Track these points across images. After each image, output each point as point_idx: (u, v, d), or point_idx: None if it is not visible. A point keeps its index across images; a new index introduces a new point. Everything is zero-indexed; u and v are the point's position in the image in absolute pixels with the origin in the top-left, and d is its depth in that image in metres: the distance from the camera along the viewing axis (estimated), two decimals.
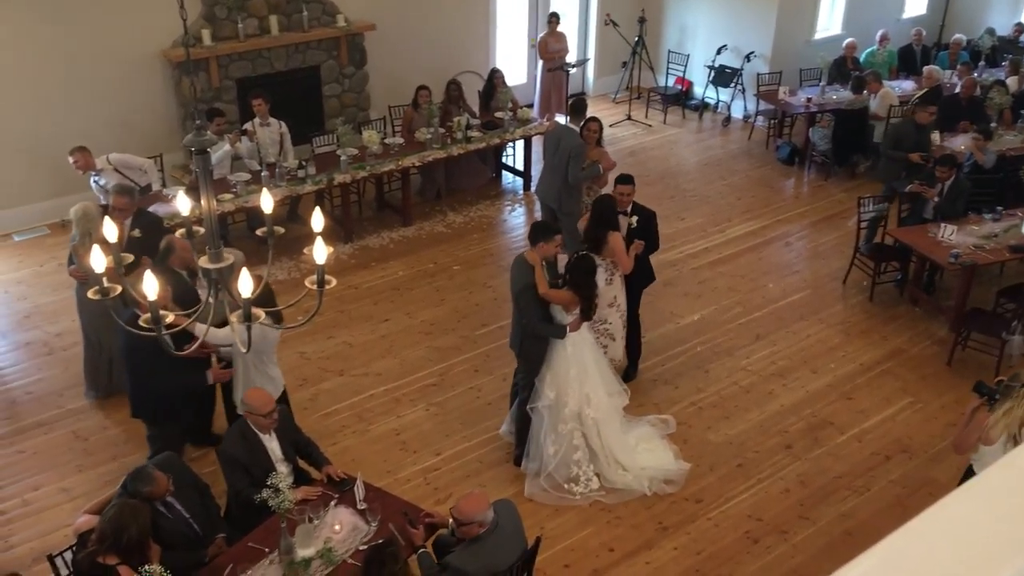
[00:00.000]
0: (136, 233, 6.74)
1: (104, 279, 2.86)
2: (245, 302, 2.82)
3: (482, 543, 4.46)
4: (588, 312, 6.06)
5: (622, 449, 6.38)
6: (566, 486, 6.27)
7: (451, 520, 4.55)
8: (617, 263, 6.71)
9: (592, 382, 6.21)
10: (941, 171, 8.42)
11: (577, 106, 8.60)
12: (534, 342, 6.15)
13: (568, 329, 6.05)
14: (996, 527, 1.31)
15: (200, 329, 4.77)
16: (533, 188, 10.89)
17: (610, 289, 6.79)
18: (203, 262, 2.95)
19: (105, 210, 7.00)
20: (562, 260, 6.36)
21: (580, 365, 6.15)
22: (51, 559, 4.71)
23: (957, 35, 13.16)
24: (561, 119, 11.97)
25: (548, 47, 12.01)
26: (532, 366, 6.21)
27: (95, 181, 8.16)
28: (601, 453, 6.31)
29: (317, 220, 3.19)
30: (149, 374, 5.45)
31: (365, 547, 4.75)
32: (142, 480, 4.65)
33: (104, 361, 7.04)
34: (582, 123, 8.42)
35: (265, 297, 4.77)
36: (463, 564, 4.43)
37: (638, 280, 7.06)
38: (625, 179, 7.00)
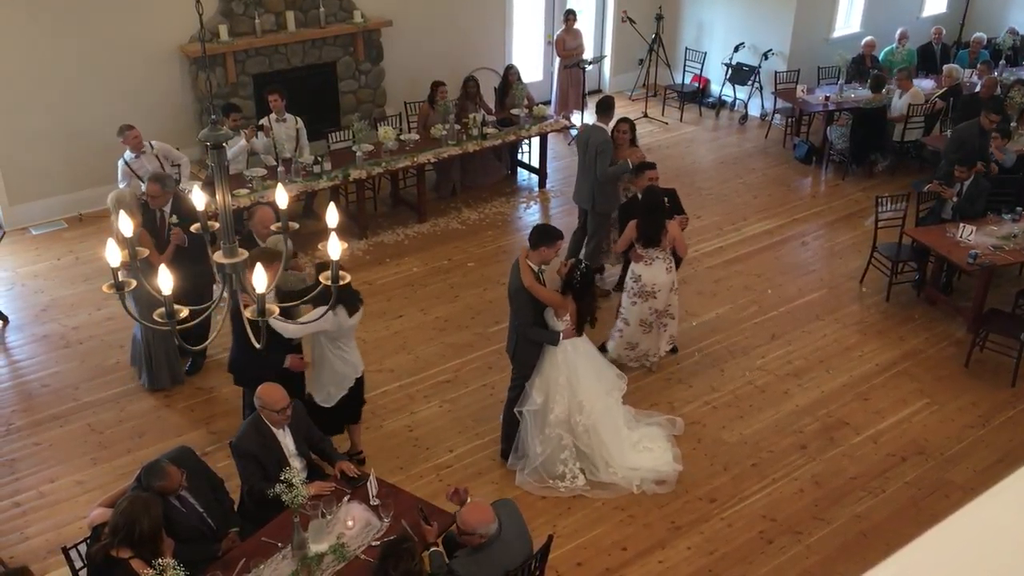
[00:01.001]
0: (174, 219, 6.85)
1: (119, 272, 2.87)
2: (260, 297, 2.82)
3: (486, 552, 4.44)
4: (582, 323, 6.07)
5: (617, 449, 6.34)
6: (551, 482, 6.32)
7: (455, 528, 4.53)
8: (677, 249, 7.05)
9: (585, 388, 6.16)
10: (960, 171, 8.35)
11: (602, 104, 8.54)
12: (528, 347, 6.14)
13: (561, 336, 6.04)
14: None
15: (274, 322, 5.08)
16: (548, 186, 10.91)
17: (670, 276, 7.15)
18: (217, 257, 2.95)
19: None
20: (554, 265, 6.27)
21: (571, 373, 6.12)
22: (65, 551, 4.74)
23: (977, 33, 13.03)
24: (577, 117, 11.99)
25: (565, 44, 11.98)
26: (524, 370, 6.21)
27: (126, 161, 8.24)
28: (593, 454, 6.30)
29: (332, 216, 3.19)
30: (250, 347, 5.57)
31: (378, 543, 4.76)
32: (155, 474, 4.67)
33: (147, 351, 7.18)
34: (611, 122, 8.39)
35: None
36: (468, 574, 4.42)
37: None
38: (650, 165, 7.24)
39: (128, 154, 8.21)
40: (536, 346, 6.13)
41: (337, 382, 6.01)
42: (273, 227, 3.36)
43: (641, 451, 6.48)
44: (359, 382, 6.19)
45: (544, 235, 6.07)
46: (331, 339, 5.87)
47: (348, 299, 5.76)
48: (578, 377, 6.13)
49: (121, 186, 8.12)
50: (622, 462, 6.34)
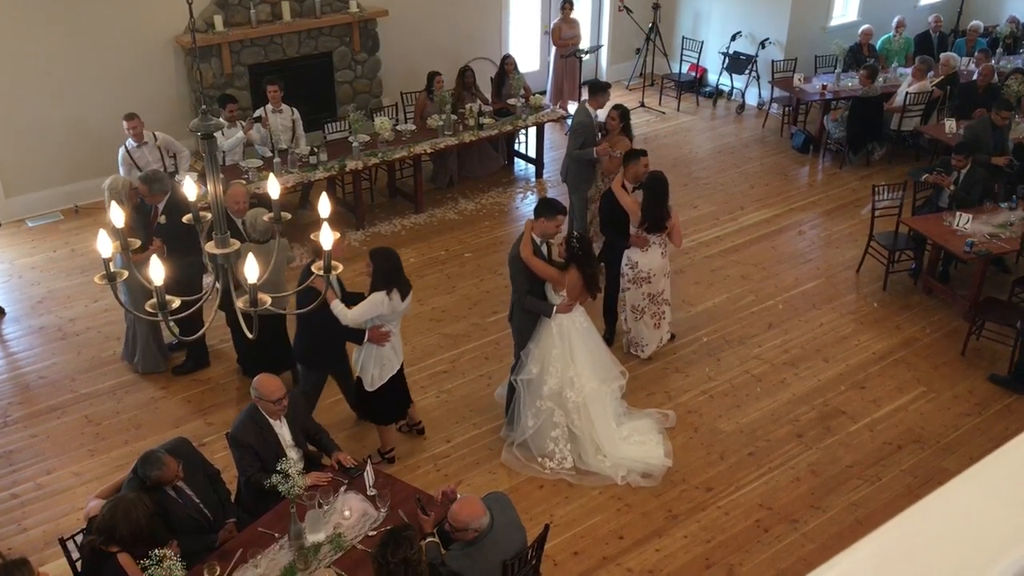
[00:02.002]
0: (162, 220, 6.81)
1: (111, 264, 2.86)
2: (252, 287, 2.82)
3: (478, 546, 4.44)
4: (592, 289, 6.13)
5: (607, 436, 6.35)
6: (539, 460, 6.35)
7: (447, 524, 4.53)
8: (673, 238, 7.09)
9: (579, 366, 6.20)
10: (956, 159, 8.34)
11: (592, 86, 8.56)
12: (525, 316, 6.25)
13: (555, 310, 6.09)
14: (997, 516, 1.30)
15: (337, 308, 5.59)
16: (545, 176, 10.91)
17: (664, 261, 7.22)
18: (209, 248, 2.94)
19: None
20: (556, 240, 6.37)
21: (566, 347, 6.16)
22: (63, 542, 4.75)
23: (974, 22, 13.00)
24: (574, 107, 11.96)
25: (561, 33, 11.95)
26: (522, 339, 6.31)
27: (127, 150, 8.25)
28: (582, 436, 6.32)
29: (324, 206, 3.19)
30: (320, 325, 5.80)
31: (375, 533, 4.77)
32: (151, 464, 4.67)
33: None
34: (603, 107, 8.42)
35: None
36: (461, 570, 4.42)
37: None
38: (641, 152, 7.23)
39: (130, 143, 8.24)
40: (533, 316, 6.20)
41: (382, 365, 6.03)
42: (265, 218, 3.36)
43: (633, 444, 6.47)
44: (402, 375, 6.23)
45: (545, 207, 6.20)
46: (384, 321, 5.90)
47: (402, 283, 5.85)
48: (573, 352, 6.16)
49: (123, 173, 8.16)
50: (612, 450, 6.35)
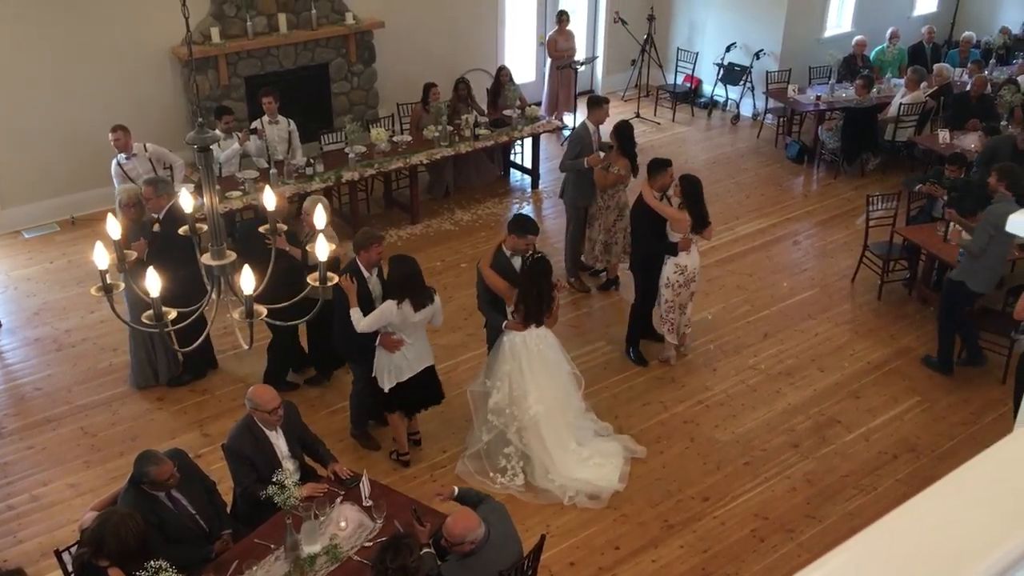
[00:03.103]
0: (156, 228, 6.76)
1: (108, 275, 2.87)
2: (248, 299, 2.83)
3: (475, 558, 4.43)
4: (531, 314, 6.07)
5: (559, 457, 6.29)
6: (491, 474, 6.35)
7: (443, 540, 4.53)
8: (706, 232, 7.26)
9: (529, 385, 6.12)
10: (951, 169, 8.38)
11: (589, 102, 8.60)
12: (490, 328, 6.40)
13: (505, 325, 6.15)
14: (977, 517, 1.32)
15: (355, 315, 5.76)
16: (541, 187, 10.94)
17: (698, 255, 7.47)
18: (206, 259, 2.96)
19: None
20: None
21: (516, 364, 6.12)
22: (58, 554, 4.74)
23: (967, 33, 13.08)
24: (570, 118, 12.02)
25: (557, 45, 12.00)
26: (489, 346, 6.46)
27: (119, 163, 8.26)
28: (532, 455, 6.28)
29: (319, 217, 3.20)
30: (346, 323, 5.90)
31: (371, 544, 4.77)
32: (148, 460, 4.66)
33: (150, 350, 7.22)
34: (601, 121, 8.43)
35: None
36: None
37: None
38: (668, 162, 7.34)
39: (121, 156, 8.21)
40: (496, 329, 6.29)
41: (390, 371, 6.09)
42: (261, 229, 3.37)
43: (590, 466, 6.40)
44: (428, 375, 6.27)
45: (516, 224, 6.32)
46: (395, 330, 5.93)
47: (415, 294, 5.83)
48: (521, 372, 6.13)
49: (117, 185, 8.17)
50: (564, 471, 6.28)
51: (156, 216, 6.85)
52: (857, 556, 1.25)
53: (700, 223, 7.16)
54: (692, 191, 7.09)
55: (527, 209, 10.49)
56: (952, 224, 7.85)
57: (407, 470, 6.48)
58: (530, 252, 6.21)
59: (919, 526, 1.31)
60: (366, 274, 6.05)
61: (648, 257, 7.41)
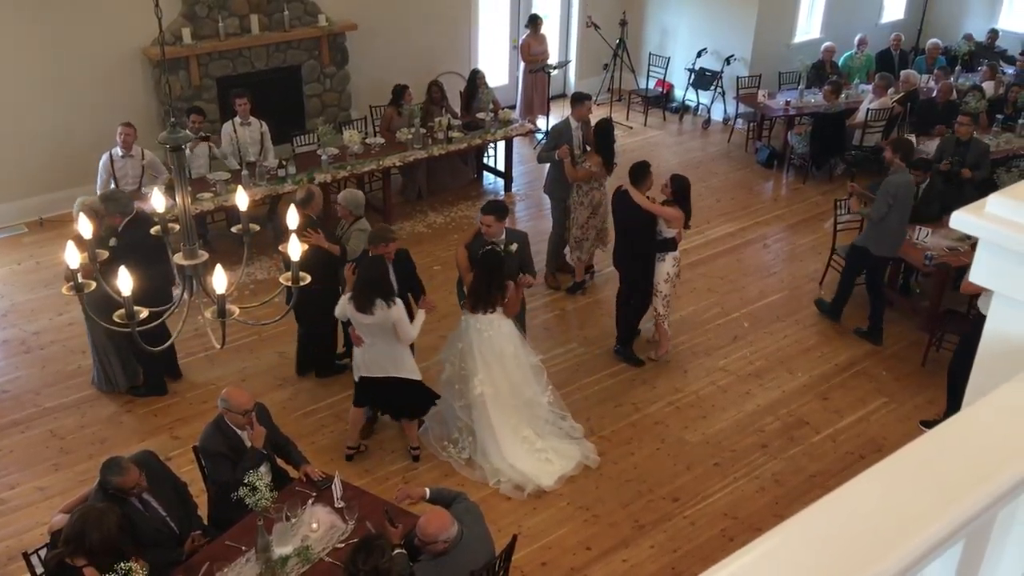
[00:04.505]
0: (112, 242, 6.45)
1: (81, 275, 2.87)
2: (220, 298, 2.84)
3: (448, 557, 4.45)
4: (477, 300, 6.28)
5: (509, 442, 6.42)
6: (444, 443, 6.64)
7: (416, 539, 4.54)
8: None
9: (475, 365, 6.31)
10: (916, 174, 8.50)
11: (572, 98, 8.80)
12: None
13: (462, 303, 6.57)
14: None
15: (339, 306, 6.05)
16: (514, 189, 10.99)
17: None
18: (178, 259, 2.96)
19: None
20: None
21: (467, 344, 6.35)
22: (26, 557, 4.70)
23: (933, 40, 13.28)
24: (543, 121, 12.07)
25: (531, 49, 12.05)
26: None
27: (111, 157, 8.34)
28: (477, 434, 6.48)
29: (292, 218, 3.22)
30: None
31: (343, 545, 4.77)
32: (112, 469, 4.64)
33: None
34: (583, 116, 8.58)
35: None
36: None
37: None
38: (648, 164, 7.66)
39: (117, 151, 8.22)
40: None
41: (355, 364, 6.30)
42: (234, 229, 3.38)
43: (538, 460, 6.47)
44: (399, 386, 6.25)
45: (486, 206, 6.89)
46: (355, 325, 6.06)
47: (357, 295, 5.91)
48: (471, 353, 6.33)
49: (98, 185, 8.34)
50: (508, 456, 6.40)
51: (116, 228, 6.62)
52: (786, 541, 1.31)
53: (688, 218, 7.44)
54: (683, 191, 7.37)
55: None
56: (851, 195, 8.38)
57: (380, 471, 6.48)
58: (493, 242, 6.49)
59: (851, 509, 1.38)
60: None
61: (646, 256, 7.48)
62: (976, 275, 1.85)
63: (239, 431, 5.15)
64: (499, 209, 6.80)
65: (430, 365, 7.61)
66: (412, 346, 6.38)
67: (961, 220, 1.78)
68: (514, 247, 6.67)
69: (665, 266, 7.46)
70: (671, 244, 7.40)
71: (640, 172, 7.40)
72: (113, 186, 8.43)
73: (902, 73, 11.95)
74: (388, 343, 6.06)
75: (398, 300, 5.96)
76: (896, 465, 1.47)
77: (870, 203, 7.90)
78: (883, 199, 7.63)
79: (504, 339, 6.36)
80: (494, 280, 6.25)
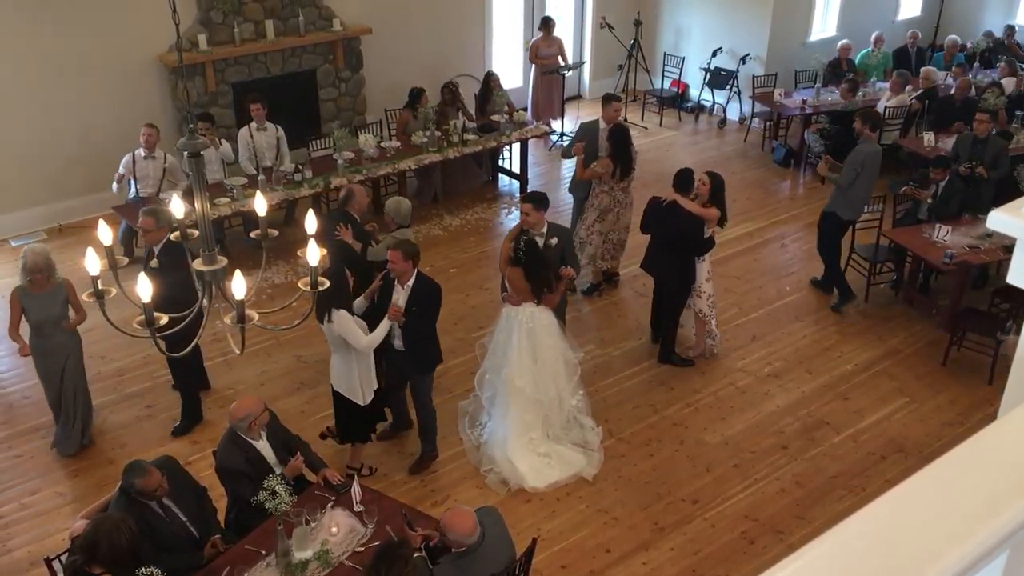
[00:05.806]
0: (154, 263, 6.33)
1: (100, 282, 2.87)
2: (239, 304, 2.84)
3: (469, 557, 4.44)
4: (536, 292, 6.25)
5: (515, 436, 6.41)
6: (469, 430, 6.80)
7: (439, 536, 4.53)
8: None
9: (508, 355, 6.30)
10: (935, 172, 8.45)
11: (602, 99, 8.72)
12: None
13: (502, 296, 6.58)
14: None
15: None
16: (530, 190, 10.97)
17: None
18: (197, 265, 2.96)
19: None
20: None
21: (504, 336, 6.37)
22: (48, 562, 4.73)
23: (951, 36, 13.18)
24: (557, 124, 12.06)
25: (539, 52, 12.02)
26: None
27: (134, 157, 8.49)
28: (492, 419, 6.59)
29: (310, 222, 3.21)
30: (421, 323, 6.17)
31: (362, 549, 4.77)
32: (134, 472, 4.66)
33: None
34: (612, 118, 8.50)
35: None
36: None
37: None
38: (692, 171, 7.69)
39: (140, 151, 8.35)
40: None
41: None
42: (253, 235, 3.38)
43: (540, 463, 6.45)
44: (339, 402, 6.14)
45: (529, 196, 6.94)
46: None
47: (317, 303, 5.68)
48: (509, 343, 6.33)
49: (116, 178, 8.48)
50: (507, 450, 6.40)
51: (153, 249, 6.44)
52: (834, 548, 1.28)
53: (724, 215, 7.44)
54: (719, 191, 7.39)
55: (516, 214, 10.51)
56: (821, 160, 8.73)
57: (398, 475, 6.48)
58: (528, 233, 6.58)
59: (897, 517, 1.35)
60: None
61: (687, 261, 7.44)
62: (1014, 275, 1.82)
63: (253, 441, 5.14)
64: (538, 198, 6.82)
65: (450, 367, 7.62)
66: (424, 353, 6.26)
67: (999, 220, 1.75)
68: (555, 241, 6.74)
69: (705, 266, 7.52)
70: (710, 243, 7.48)
71: (686, 179, 7.44)
72: (132, 185, 8.55)
73: (922, 70, 11.86)
74: (342, 356, 5.89)
75: (341, 311, 5.68)
76: (938, 473, 1.44)
77: (838, 170, 8.14)
78: (851, 167, 7.98)
79: (544, 331, 6.38)
80: (532, 270, 6.23)
